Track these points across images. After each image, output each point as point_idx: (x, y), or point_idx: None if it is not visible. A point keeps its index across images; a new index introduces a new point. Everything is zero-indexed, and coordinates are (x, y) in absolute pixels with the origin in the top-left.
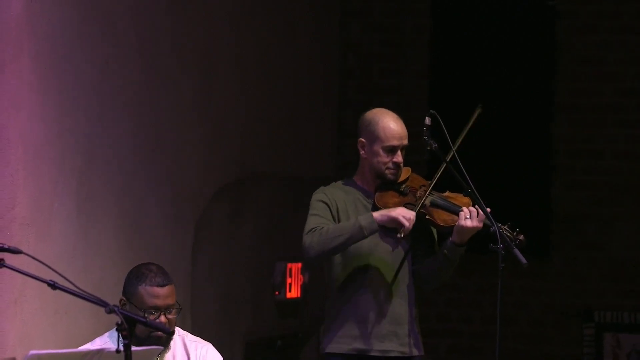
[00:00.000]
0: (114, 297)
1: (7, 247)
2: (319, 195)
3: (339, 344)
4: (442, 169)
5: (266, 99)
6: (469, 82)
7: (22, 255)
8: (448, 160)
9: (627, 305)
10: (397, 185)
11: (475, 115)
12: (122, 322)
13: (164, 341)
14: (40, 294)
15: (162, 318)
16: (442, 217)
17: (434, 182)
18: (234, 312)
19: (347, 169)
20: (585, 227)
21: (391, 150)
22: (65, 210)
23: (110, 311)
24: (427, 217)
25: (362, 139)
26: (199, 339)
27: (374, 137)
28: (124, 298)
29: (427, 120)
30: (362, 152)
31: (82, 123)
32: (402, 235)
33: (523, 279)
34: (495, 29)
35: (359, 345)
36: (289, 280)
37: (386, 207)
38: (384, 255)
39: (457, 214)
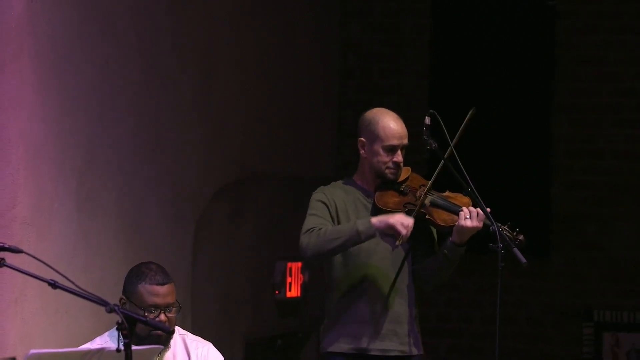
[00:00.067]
0: (114, 296)
1: (7, 246)
2: (318, 195)
3: (339, 343)
4: (440, 167)
5: (266, 99)
6: (469, 82)
7: (22, 254)
8: (445, 157)
9: (626, 305)
10: (397, 184)
11: (468, 117)
12: (122, 321)
13: (164, 340)
14: (41, 293)
15: (162, 317)
16: (442, 217)
17: (433, 180)
18: (234, 312)
19: (347, 169)
20: (585, 227)
21: (391, 150)
22: (65, 210)
23: (110, 310)
24: (427, 217)
25: (362, 139)
26: (199, 338)
27: (374, 136)
28: (124, 297)
29: (427, 120)
30: (362, 151)
31: (82, 123)
32: (399, 243)
33: (523, 278)
34: (495, 29)
35: (359, 344)
36: (289, 280)
37: (386, 206)
38: (384, 254)
39: (457, 214)
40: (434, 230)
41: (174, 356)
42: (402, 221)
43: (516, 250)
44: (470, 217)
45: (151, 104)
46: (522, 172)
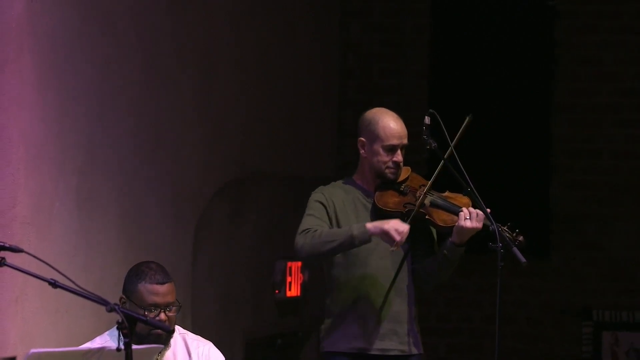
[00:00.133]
0: (114, 295)
1: (8, 245)
2: (316, 195)
3: (339, 343)
4: (440, 167)
5: (266, 99)
6: (468, 82)
7: (23, 254)
8: (445, 157)
9: (625, 304)
10: (397, 184)
11: (465, 124)
12: (122, 320)
13: (164, 339)
14: (41, 293)
15: (162, 315)
16: (441, 218)
17: (433, 180)
18: (234, 311)
19: (347, 169)
20: (585, 227)
21: (391, 150)
22: (65, 210)
23: (110, 310)
24: (426, 217)
25: (362, 138)
26: (200, 337)
27: (374, 136)
28: (124, 296)
29: (427, 120)
30: (362, 151)
31: (82, 123)
32: (393, 249)
33: (522, 278)
34: (495, 29)
35: (358, 343)
36: (289, 279)
37: (386, 206)
38: (384, 254)
39: (456, 214)
40: (434, 231)
41: (175, 355)
42: (397, 227)
43: (516, 250)
44: (470, 218)
45: (151, 104)
46: (522, 172)
